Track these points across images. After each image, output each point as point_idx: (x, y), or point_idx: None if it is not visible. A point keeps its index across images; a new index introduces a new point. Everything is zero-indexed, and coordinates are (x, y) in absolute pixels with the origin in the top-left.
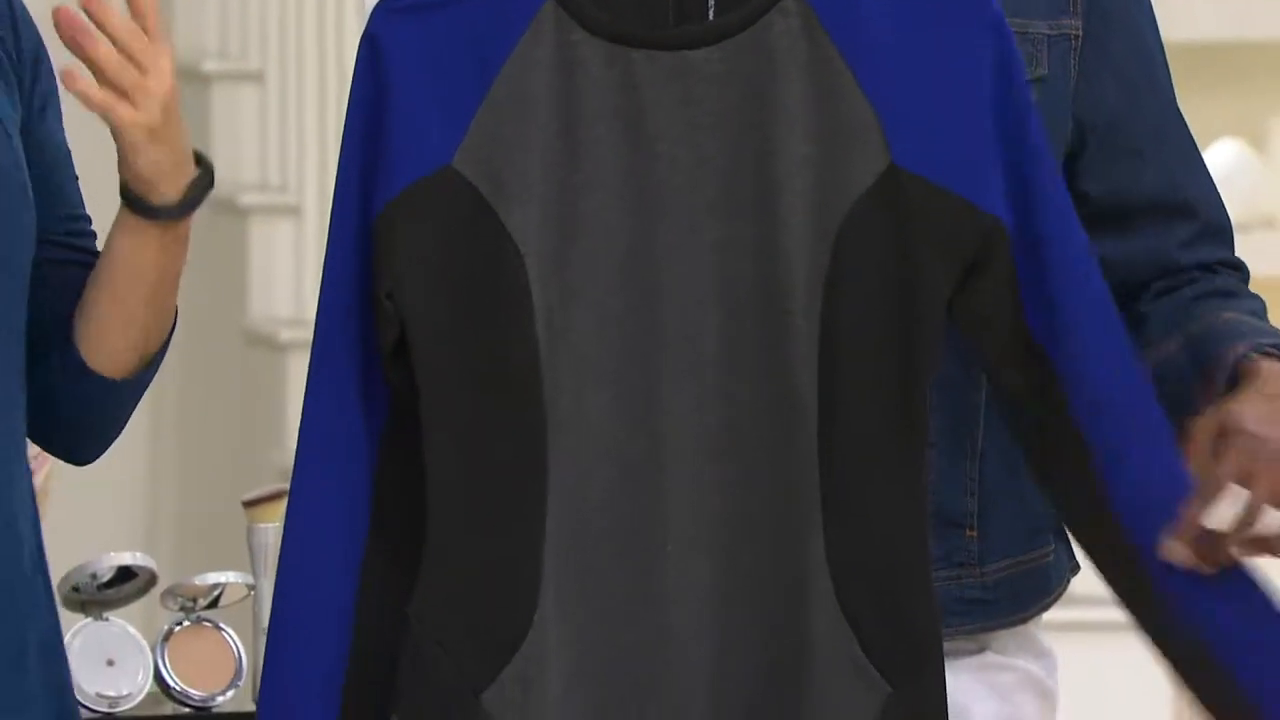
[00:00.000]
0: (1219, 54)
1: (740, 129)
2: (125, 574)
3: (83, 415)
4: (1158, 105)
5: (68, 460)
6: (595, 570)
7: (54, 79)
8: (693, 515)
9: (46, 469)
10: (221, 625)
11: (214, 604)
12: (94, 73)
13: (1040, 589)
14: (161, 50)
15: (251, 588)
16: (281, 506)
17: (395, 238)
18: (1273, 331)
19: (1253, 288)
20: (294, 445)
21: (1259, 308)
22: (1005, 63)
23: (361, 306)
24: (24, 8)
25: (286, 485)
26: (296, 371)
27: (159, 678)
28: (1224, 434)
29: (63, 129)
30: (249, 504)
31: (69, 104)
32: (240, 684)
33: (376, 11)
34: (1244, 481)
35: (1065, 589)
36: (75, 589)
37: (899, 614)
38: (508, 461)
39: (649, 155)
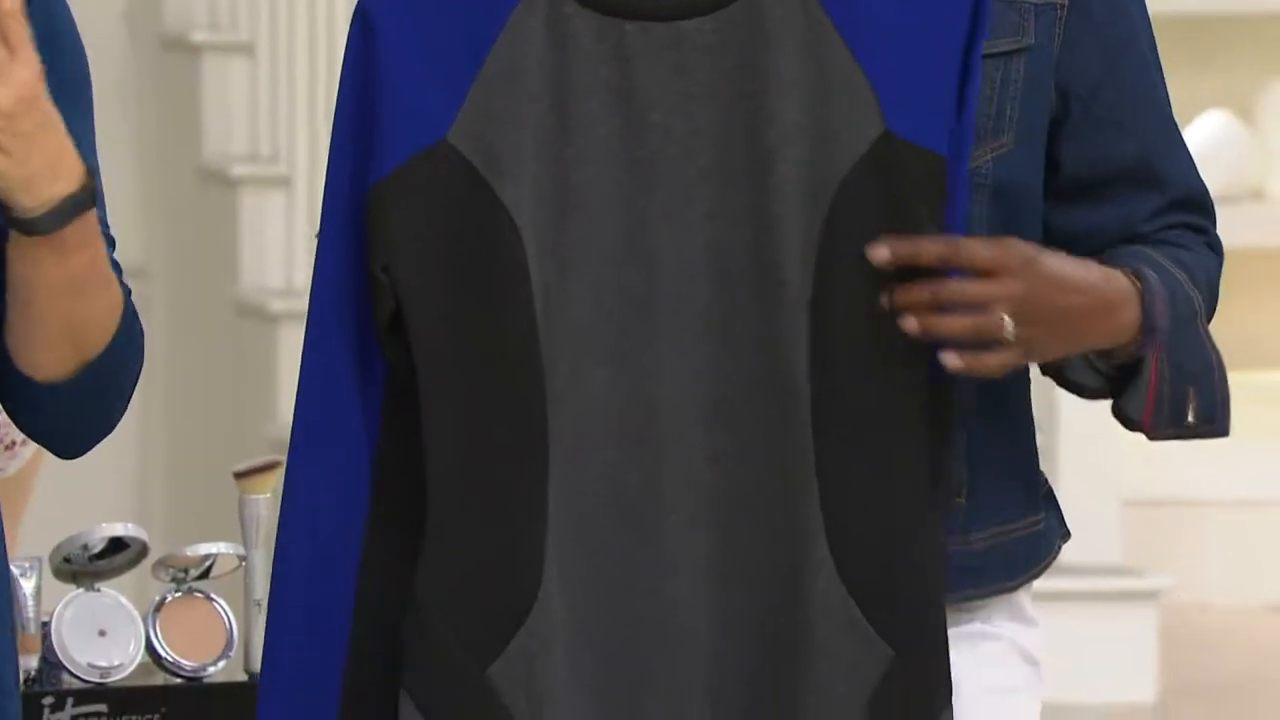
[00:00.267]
0: (1207, 26)
1: (733, 98)
2: (117, 545)
3: (39, 418)
4: (1137, 74)
5: (57, 455)
6: (597, 543)
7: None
8: (691, 487)
9: None
10: (213, 596)
11: (205, 575)
12: None
13: (1030, 557)
14: (22, 60)
15: (243, 559)
16: (273, 477)
17: (390, 213)
18: (1173, 267)
19: (1240, 258)
20: (286, 416)
21: (1195, 261)
22: (975, 28)
23: (357, 282)
24: None
25: (278, 456)
26: (287, 342)
27: (150, 648)
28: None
29: (72, 132)
30: (240, 475)
31: None
32: (231, 654)
33: None
34: (991, 268)
35: (1056, 557)
36: (67, 560)
37: (899, 579)
38: (507, 436)
39: (642, 126)
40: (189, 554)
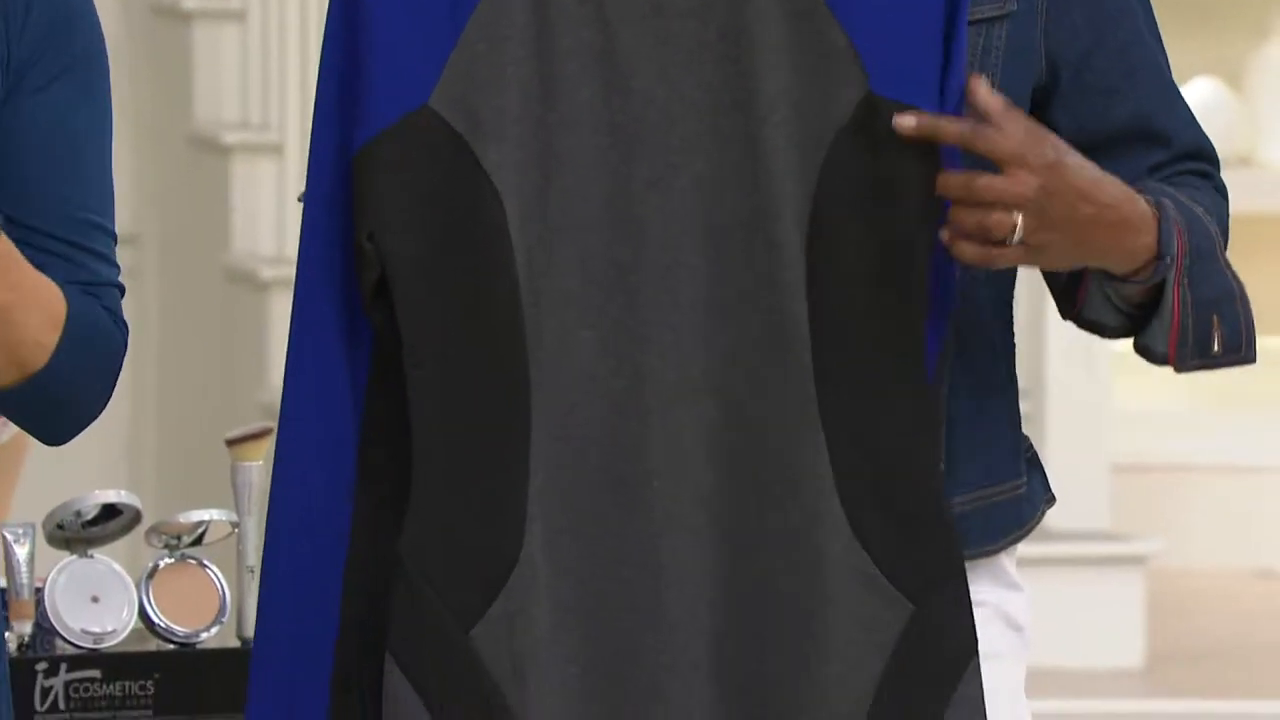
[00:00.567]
0: None
1: (716, 63)
2: (110, 511)
3: (7, 414)
4: (1130, 36)
5: (41, 442)
6: (582, 506)
7: (77, 62)
8: (680, 453)
9: None
10: (205, 562)
11: (198, 541)
12: None
13: (1011, 521)
14: None
15: (235, 525)
16: (265, 444)
17: (374, 179)
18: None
19: (1230, 225)
20: (277, 383)
21: (1208, 200)
22: None
23: (342, 247)
24: None
25: (270, 423)
26: (279, 309)
27: (143, 614)
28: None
29: (80, 118)
30: (232, 442)
31: None
32: (224, 620)
33: None
34: (1011, 161)
35: (1039, 521)
36: (60, 526)
37: (912, 531)
38: (490, 399)
39: (624, 92)
40: (182, 520)
